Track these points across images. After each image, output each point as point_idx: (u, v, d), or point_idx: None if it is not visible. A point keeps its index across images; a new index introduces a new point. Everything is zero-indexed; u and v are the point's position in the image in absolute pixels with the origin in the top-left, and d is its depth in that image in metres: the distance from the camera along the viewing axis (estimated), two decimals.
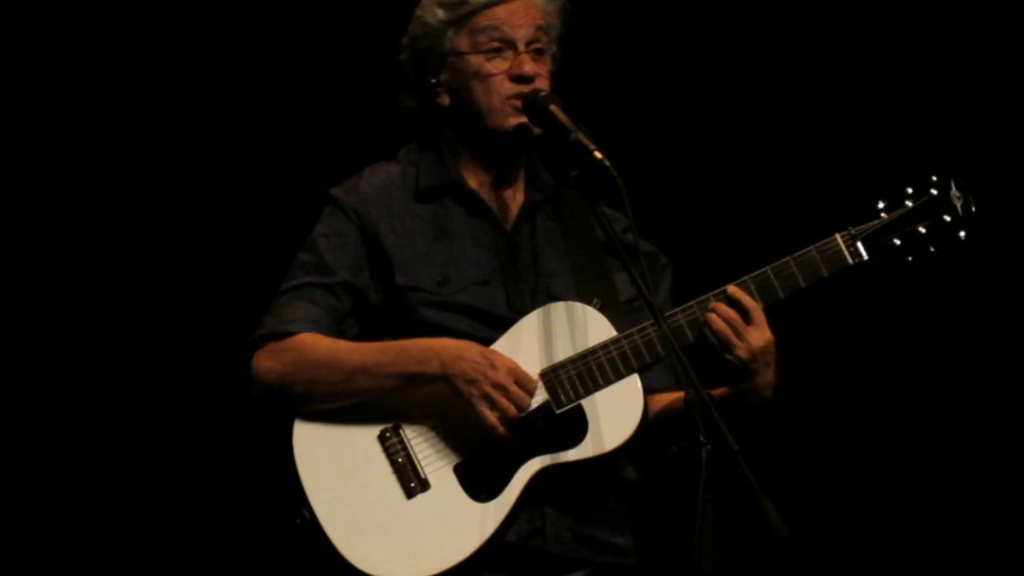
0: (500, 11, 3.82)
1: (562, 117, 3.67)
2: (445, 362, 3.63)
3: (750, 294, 3.70)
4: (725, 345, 3.68)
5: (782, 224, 5.04)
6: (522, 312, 3.75)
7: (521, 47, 3.80)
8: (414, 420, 3.68)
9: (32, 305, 5.06)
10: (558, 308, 3.74)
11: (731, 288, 3.71)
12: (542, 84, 3.79)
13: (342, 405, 3.69)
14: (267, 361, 3.73)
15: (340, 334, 3.76)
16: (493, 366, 3.62)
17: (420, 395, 3.67)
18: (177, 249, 5.14)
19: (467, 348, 3.65)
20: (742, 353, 3.67)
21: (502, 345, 3.71)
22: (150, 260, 5.13)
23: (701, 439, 3.31)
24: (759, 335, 3.68)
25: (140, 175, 5.14)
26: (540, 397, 3.67)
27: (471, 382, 3.61)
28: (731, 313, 3.68)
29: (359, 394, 3.68)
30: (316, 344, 3.71)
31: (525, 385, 3.63)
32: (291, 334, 3.72)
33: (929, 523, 5.33)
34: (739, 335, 3.67)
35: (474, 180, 3.87)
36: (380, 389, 3.67)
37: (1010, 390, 5.29)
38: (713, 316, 3.68)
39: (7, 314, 5.04)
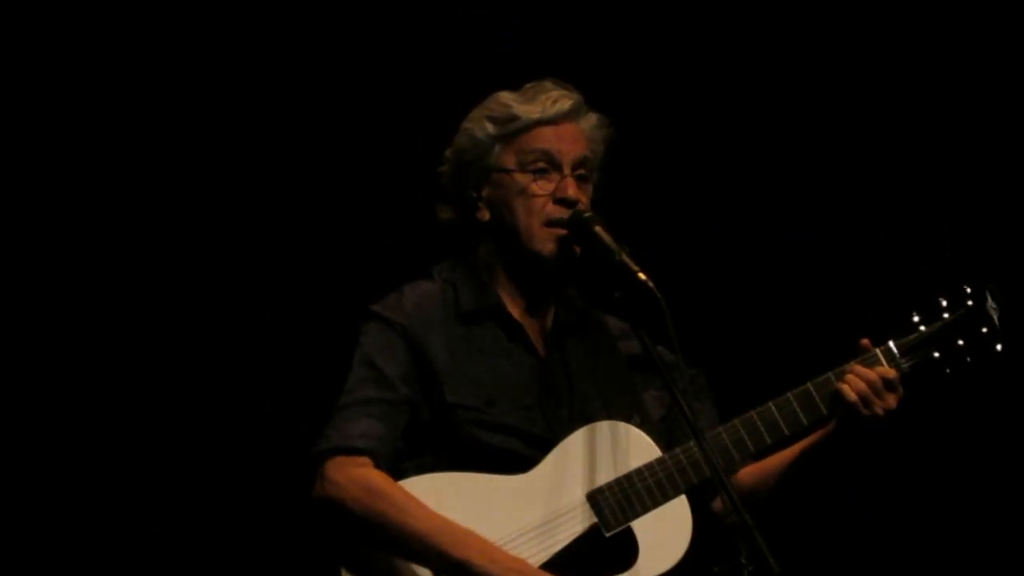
0: (550, 132, 3.86)
1: (606, 238, 3.71)
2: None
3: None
4: (867, 403, 3.69)
5: (815, 339, 5.00)
6: (562, 435, 3.75)
7: (567, 170, 3.83)
8: None
9: (51, 317, 4.98)
10: (601, 428, 3.75)
11: (857, 367, 3.73)
12: (583, 210, 3.81)
13: (379, 552, 3.65)
14: (336, 474, 3.67)
15: (397, 452, 3.74)
16: None
17: None
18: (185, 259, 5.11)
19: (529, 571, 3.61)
20: (879, 410, 3.69)
21: (548, 466, 3.71)
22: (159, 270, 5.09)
23: (743, 561, 3.34)
24: (895, 397, 3.73)
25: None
26: (588, 520, 3.67)
27: None
28: (871, 375, 3.71)
29: (403, 555, 3.63)
30: (390, 486, 3.66)
31: None
32: (359, 450, 3.69)
33: None
34: (880, 394, 3.70)
35: (510, 302, 3.89)
36: (425, 560, 3.61)
37: None
38: (853, 379, 3.70)
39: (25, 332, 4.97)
